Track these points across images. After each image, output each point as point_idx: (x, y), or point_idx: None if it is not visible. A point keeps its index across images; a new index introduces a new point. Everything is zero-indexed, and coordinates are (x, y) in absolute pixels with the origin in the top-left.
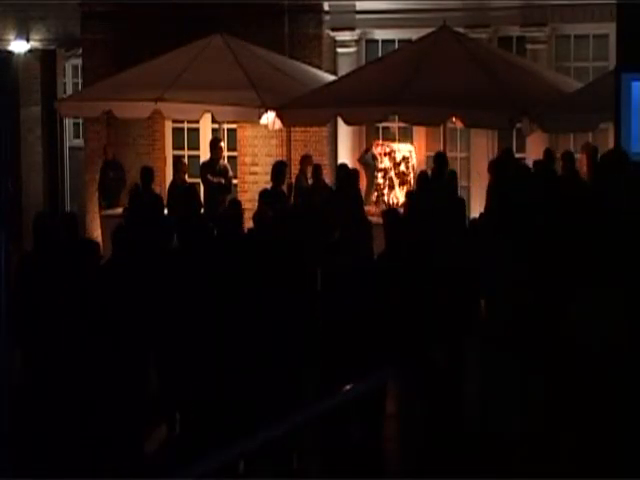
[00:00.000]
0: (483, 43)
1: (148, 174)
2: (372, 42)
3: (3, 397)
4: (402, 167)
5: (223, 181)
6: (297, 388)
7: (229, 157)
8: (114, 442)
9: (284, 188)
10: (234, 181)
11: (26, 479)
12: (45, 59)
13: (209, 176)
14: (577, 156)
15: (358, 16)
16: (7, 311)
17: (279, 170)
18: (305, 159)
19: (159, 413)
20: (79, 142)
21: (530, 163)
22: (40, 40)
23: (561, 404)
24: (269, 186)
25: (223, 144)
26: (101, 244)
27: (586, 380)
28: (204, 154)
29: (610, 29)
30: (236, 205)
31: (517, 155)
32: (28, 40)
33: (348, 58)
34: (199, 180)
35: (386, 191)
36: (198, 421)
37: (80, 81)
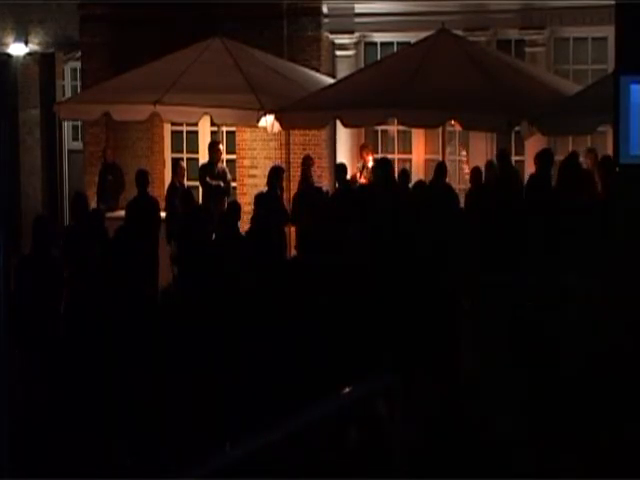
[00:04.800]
0: (482, 46)
1: (143, 177)
2: (371, 45)
3: (3, 397)
4: None
5: (222, 184)
6: (297, 390)
7: (228, 160)
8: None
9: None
10: (233, 184)
11: (26, 479)
12: (44, 62)
13: (208, 179)
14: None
15: (357, 19)
16: (7, 311)
17: (275, 174)
18: (305, 160)
19: (158, 412)
20: (78, 145)
21: (529, 165)
22: (39, 43)
23: (561, 404)
24: (265, 189)
25: (222, 146)
26: None
27: (585, 380)
28: (203, 157)
29: (609, 32)
30: (235, 206)
31: (516, 158)
32: (27, 43)
33: (347, 61)
34: (198, 183)
35: None
36: (198, 422)
37: (79, 84)
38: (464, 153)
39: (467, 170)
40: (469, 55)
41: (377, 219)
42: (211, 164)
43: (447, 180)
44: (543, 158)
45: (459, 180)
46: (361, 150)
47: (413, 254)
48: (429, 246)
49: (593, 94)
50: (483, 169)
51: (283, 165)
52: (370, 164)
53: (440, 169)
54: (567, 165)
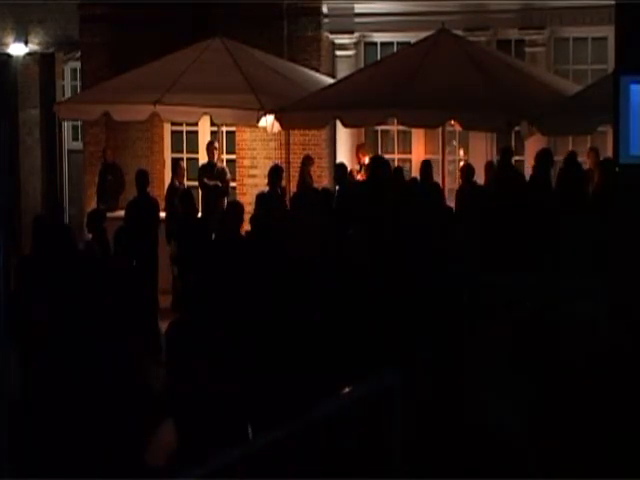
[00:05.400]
0: (482, 46)
1: (143, 177)
2: (371, 45)
3: (3, 398)
4: None
5: (220, 184)
6: (297, 390)
7: (228, 160)
8: (115, 442)
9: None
10: (233, 184)
11: (26, 479)
12: (44, 62)
13: (205, 180)
14: (582, 159)
15: (357, 19)
16: (7, 311)
17: (275, 173)
18: (305, 160)
19: (163, 412)
20: (78, 145)
21: (529, 165)
22: (39, 43)
23: (561, 404)
24: (266, 189)
25: (217, 145)
26: None
27: (585, 379)
28: (203, 157)
29: (609, 32)
30: (235, 207)
31: (516, 158)
32: (27, 43)
33: (347, 61)
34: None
35: None
36: (199, 422)
37: (79, 84)
38: (462, 153)
39: None
40: (469, 55)
41: (377, 219)
42: (210, 164)
43: (443, 179)
44: (543, 158)
45: (457, 180)
46: (357, 150)
47: (413, 253)
48: (429, 245)
49: (593, 94)
50: (483, 169)
51: (283, 165)
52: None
53: (425, 168)
54: (567, 165)
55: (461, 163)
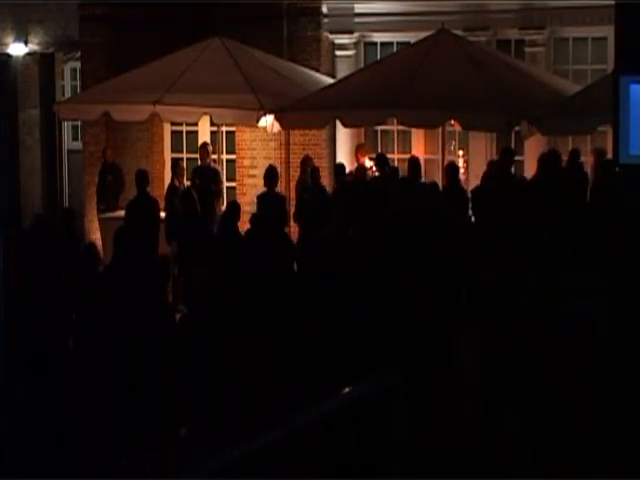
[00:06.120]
0: (482, 46)
1: (143, 177)
2: (371, 45)
3: (3, 398)
4: None
5: (213, 186)
6: (298, 390)
7: (228, 160)
8: (116, 442)
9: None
10: (233, 184)
11: (26, 479)
12: (44, 62)
13: (197, 182)
14: (584, 158)
15: (357, 19)
16: (7, 311)
17: (271, 175)
18: (306, 161)
19: (165, 411)
20: (78, 145)
21: (529, 165)
22: (39, 43)
23: (561, 404)
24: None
25: (210, 149)
26: (100, 247)
27: (585, 379)
28: None
29: (609, 32)
30: (234, 207)
31: (516, 158)
32: (27, 43)
33: (347, 61)
34: None
35: None
36: (201, 420)
37: (79, 84)
38: (461, 153)
39: (463, 170)
40: (469, 55)
41: (377, 219)
42: (202, 166)
43: (443, 179)
44: (548, 160)
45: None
46: (356, 151)
47: (413, 254)
48: (429, 245)
49: (593, 94)
50: (484, 169)
51: (283, 165)
52: (367, 164)
53: (413, 166)
54: (569, 165)
55: (461, 161)
